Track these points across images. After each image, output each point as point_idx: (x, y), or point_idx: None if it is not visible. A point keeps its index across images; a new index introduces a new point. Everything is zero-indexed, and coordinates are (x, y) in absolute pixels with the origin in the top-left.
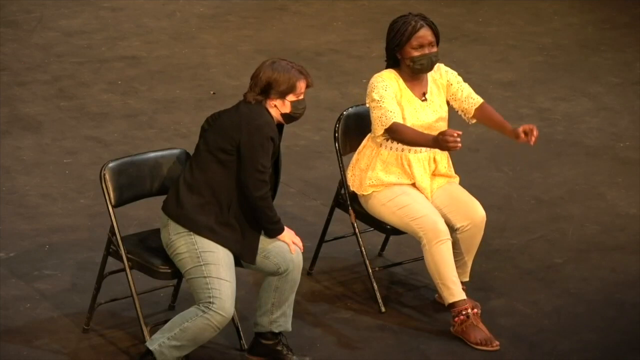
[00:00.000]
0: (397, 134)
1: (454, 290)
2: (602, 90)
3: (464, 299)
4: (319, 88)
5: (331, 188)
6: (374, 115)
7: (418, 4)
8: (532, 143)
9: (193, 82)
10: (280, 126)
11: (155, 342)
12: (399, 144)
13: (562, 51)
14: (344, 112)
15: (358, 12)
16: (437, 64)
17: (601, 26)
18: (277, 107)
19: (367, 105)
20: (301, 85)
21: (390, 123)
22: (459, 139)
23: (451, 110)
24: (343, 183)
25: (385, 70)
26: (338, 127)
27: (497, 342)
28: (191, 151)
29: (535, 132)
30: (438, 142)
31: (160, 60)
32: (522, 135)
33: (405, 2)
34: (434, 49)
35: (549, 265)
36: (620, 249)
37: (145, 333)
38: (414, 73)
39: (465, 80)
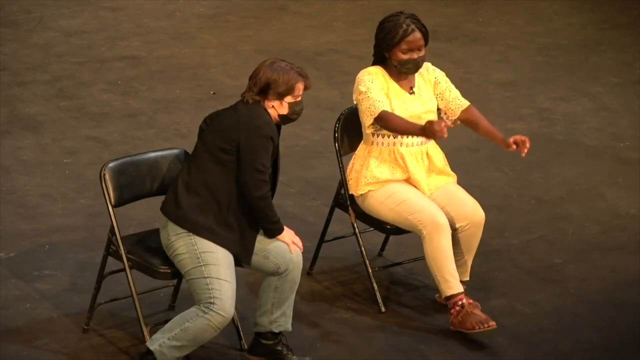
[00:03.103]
0: (386, 121)
1: (452, 283)
2: (602, 90)
3: (461, 292)
4: (319, 88)
5: (331, 188)
6: (363, 107)
7: (418, 4)
8: (523, 154)
9: (193, 82)
10: (278, 125)
11: (156, 342)
12: (390, 139)
13: (562, 51)
14: (344, 112)
15: (358, 12)
16: (425, 62)
17: (601, 26)
18: (275, 108)
19: (355, 100)
20: (300, 87)
21: (378, 112)
22: (445, 129)
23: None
24: (343, 183)
25: (371, 66)
26: (338, 127)
27: (494, 322)
28: (191, 151)
29: (527, 144)
30: (425, 130)
31: (160, 60)
32: (513, 146)
33: (405, 2)
34: (422, 53)
35: (549, 265)
36: (620, 249)
37: (145, 333)
38: (400, 74)
39: (465, 80)
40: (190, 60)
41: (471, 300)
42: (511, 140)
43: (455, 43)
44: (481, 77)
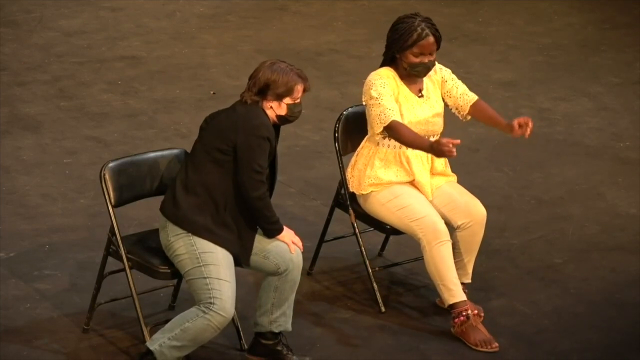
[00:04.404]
0: (396, 132)
1: (454, 291)
2: (602, 90)
3: (464, 300)
4: (319, 88)
5: (331, 188)
6: (373, 112)
7: (418, 4)
8: (526, 136)
9: (193, 82)
10: (277, 126)
11: (156, 342)
12: (397, 142)
13: (562, 51)
14: (344, 112)
15: (358, 12)
16: None
17: (601, 26)
18: (273, 109)
19: (364, 103)
20: (299, 88)
21: (389, 121)
22: (454, 149)
23: (445, 107)
24: (343, 183)
25: (382, 68)
26: (338, 127)
27: (497, 344)
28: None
29: (530, 124)
30: (434, 148)
31: (160, 60)
32: (517, 127)
33: (405, 2)
34: (432, 57)
35: (549, 265)
36: (620, 249)
37: (145, 333)
38: (409, 76)
39: (465, 80)
40: (190, 60)
41: (476, 311)
42: (515, 122)
43: (455, 43)
44: (481, 77)
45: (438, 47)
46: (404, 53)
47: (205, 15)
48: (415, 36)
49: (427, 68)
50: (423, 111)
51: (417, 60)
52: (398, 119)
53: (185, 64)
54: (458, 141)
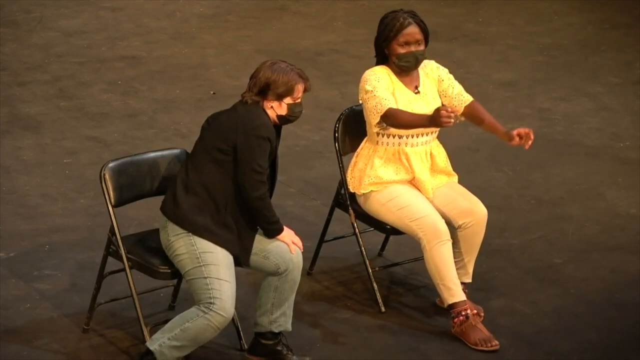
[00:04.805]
0: (393, 118)
1: (454, 291)
2: (602, 90)
3: (464, 300)
4: (319, 88)
5: (331, 188)
6: (369, 105)
7: (418, 4)
8: (526, 147)
9: (193, 82)
10: (278, 127)
11: (156, 342)
12: (395, 139)
13: (562, 51)
14: (344, 112)
15: (358, 12)
16: (429, 61)
17: (601, 26)
18: (274, 109)
19: (361, 100)
20: (299, 88)
21: (385, 109)
22: (452, 114)
23: None
24: (343, 183)
25: (376, 66)
26: (338, 127)
27: (497, 342)
28: (191, 151)
29: (531, 136)
30: (433, 119)
31: (160, 60)
32: (517, 138)
33: (405, 2)
34: (421, 47)
35: (549, 265)
36: (620, 249)
37: (145, 333)
38: (400, 70)
39: (465, 80)
40: (190, 60)
41: (475, 311)
42: (515, 132)
43: (455, 43)
44: (481, 77)
45: (426, 40)
46: (390, 45)
47: (205, 15)
48: (398, 25)
49: (415, 58)
50: (420, 107)
51: (403, 50)
52: (393, 107)
53: (185, 64)
54: (456, 111)
